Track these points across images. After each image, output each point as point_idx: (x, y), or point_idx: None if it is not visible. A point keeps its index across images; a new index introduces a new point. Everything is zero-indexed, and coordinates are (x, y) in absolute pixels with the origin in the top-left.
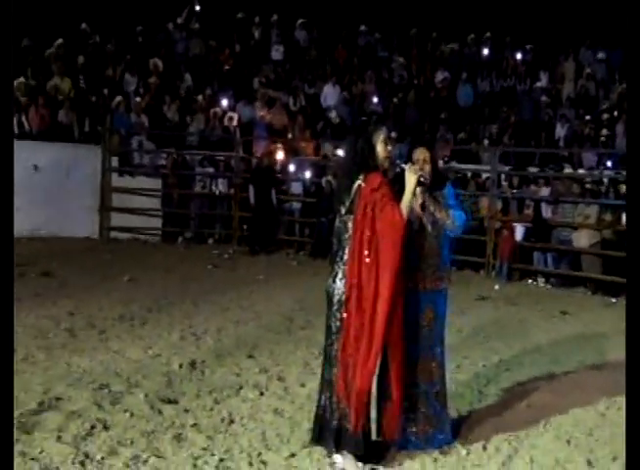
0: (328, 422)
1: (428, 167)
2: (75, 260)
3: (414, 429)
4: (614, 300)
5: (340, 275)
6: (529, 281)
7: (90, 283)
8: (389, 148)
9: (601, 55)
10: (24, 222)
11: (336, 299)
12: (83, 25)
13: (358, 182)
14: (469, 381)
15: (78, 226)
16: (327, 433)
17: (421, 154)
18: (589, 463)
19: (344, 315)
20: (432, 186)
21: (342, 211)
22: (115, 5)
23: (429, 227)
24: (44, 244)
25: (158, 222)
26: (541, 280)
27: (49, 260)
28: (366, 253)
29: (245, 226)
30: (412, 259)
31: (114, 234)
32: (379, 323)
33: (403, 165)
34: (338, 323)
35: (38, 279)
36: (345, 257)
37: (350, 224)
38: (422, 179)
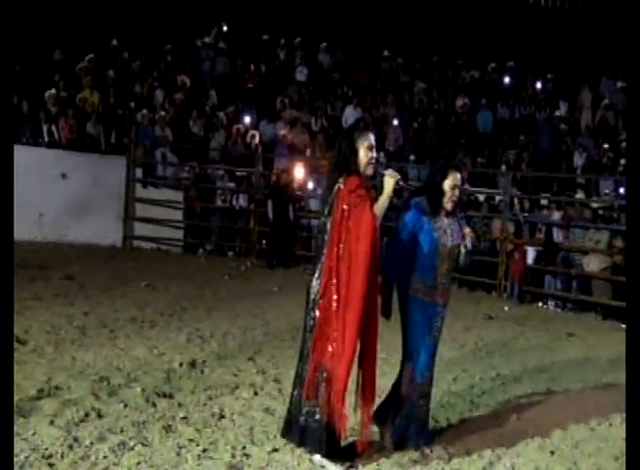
0: (296, 418)
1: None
2: (98, 266)
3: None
4: (623, 325)
5: (316, 274)
6: (540, 304)
7: (109, 287)
8: (373, 154)
9: (620, 84)
10: (52, 228)
11: (311, 297)
12: (114, 42)
13: (338, 185)
14: (463, 392)
15: (103, 234)
16: (294, 429)
17: (457, 180)
18: None
19: (317, 313)
20: (453, 212)
21: (325, 212)
22: (146, 23)
23: (460, 248)
24: (69, 249)
25: (180, 233)
26: (552, 303)
27: (72, 265)
28: (340, 253)
29: (264, 240)
30: (436, 274)
31: (137, 243)
32: (351, 321)
33: (383, 171)
34: (311, 322)
35: (60, 282)
36: (324, 257)
37: (329, 225)
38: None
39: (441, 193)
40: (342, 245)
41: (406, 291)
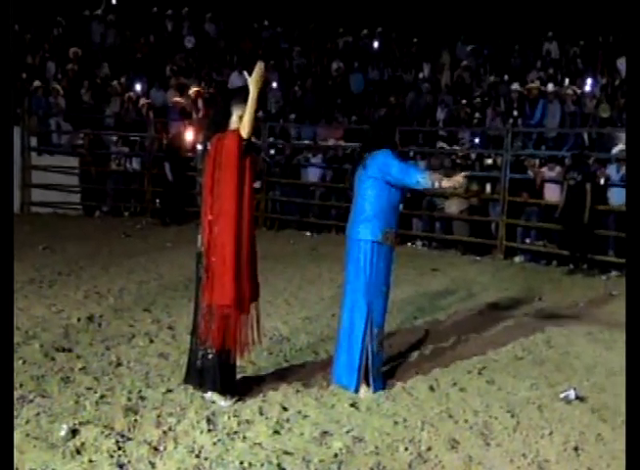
0: (193, 363)
1: None
2: None
3: None
4: (478, 258)
5: (200, 230)
6: (409, 244)
7: None
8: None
9: (470, 47)
10: None
11: (197, 251)
12: None
13: (209, 145)
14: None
15: None
16: (193, 373)
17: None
18: (431, 388)
19: (204, 264)
20: None
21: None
22: None
23: None
24: None
25: (77, 198)
26: (419, 243)
27: None
28: (208, 209)
29: (157, 200)
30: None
31: (35, 209)
32: (229, 233)
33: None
34: (200, 273)
35: None
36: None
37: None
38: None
39: (396, 146)
40: (209, 200)
41: (375, 240)
